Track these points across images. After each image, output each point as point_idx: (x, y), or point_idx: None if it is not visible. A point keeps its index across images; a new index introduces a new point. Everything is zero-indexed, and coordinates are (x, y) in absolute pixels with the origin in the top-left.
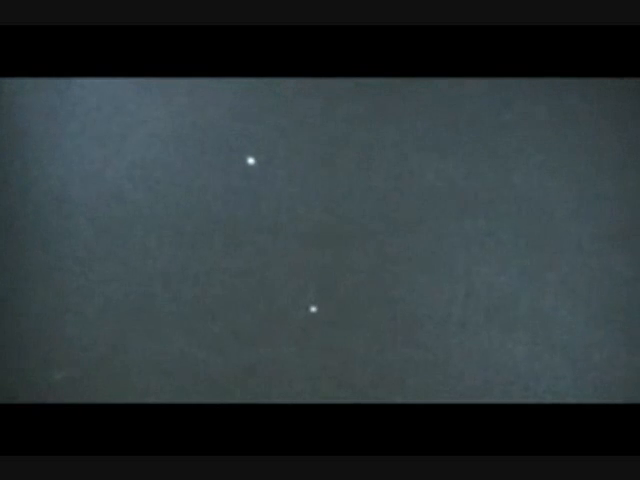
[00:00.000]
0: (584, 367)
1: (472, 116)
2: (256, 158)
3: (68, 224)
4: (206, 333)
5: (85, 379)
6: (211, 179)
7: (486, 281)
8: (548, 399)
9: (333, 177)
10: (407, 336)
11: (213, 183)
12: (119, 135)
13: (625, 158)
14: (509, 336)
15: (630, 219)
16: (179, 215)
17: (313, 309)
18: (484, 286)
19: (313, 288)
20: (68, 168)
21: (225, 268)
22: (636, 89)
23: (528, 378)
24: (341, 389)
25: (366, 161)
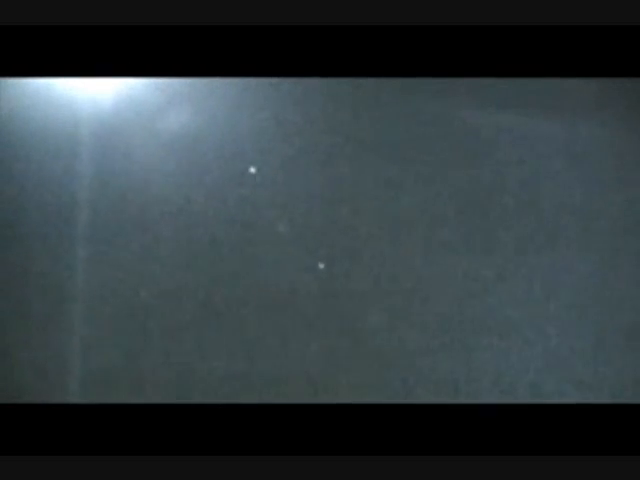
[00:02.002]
0: (585, 368)
1: (470, 116)
2: (253, 157)
3: (66, 226)
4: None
5: (86, 379)
6: (210, 176)
7: (485, 282)
8: (548, 399)
9: (334, 178)
10: (410, 338)
11: (212, 180)
12: (118, 137)
13: (625, 162)
14: (509, 337)
15: (629, 222)
16: (177, 207)
17: (321, 265)
18: (484, 287)
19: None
20: (66, 170)
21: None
22: (636, 89)
23: (528, 378)
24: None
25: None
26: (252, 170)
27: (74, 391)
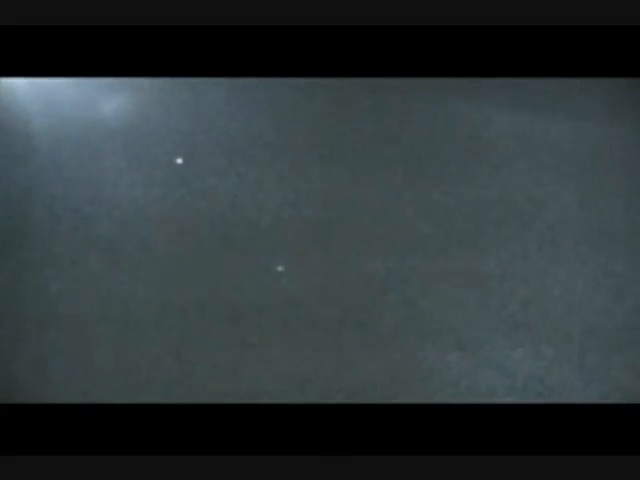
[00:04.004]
0: (582, 368)
1: (470, 116)
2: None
3: (61, 225)
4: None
5: (85, 379)
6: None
7: (487, 282)
8: (548, 399)
9: (325, 175)
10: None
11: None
12: (115, 137)
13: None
14: (509, 338)
15: (630, 219)
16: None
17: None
18: (485, 287)
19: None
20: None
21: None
22: (636, 89)
23: (527, 379)
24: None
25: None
26: (179, 161)
27: None
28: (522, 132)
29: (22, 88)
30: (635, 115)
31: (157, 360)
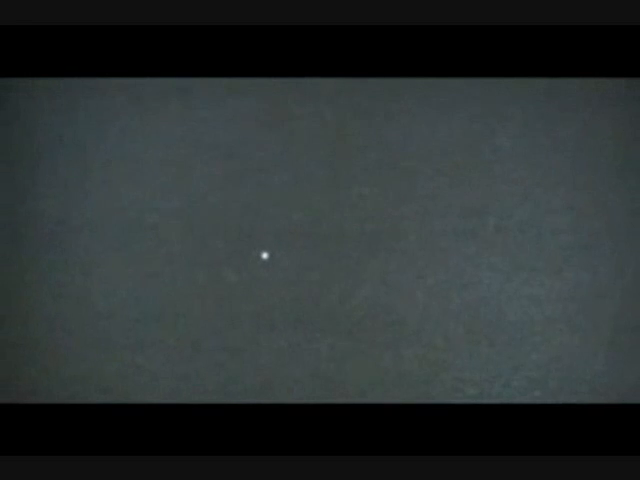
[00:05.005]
0: (579, 369)
1: (470, 116)
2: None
3: (68, 228)
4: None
5: (85, 379)
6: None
7: (478, 280)
8: (545, 400)
9: (329, 175)
10: (404, 338)
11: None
12: (120, 139)
13: (624, 160)
14: (502, 338)
15: (626, 220)
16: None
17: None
18: (477, 285)
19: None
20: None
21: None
22: (636, 89)
23: (525, 379)
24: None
25: (364, 160)
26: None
27: None
28: (523, 131)
29: (24, 88)
30: (635, 115)
31: (158, 360)
